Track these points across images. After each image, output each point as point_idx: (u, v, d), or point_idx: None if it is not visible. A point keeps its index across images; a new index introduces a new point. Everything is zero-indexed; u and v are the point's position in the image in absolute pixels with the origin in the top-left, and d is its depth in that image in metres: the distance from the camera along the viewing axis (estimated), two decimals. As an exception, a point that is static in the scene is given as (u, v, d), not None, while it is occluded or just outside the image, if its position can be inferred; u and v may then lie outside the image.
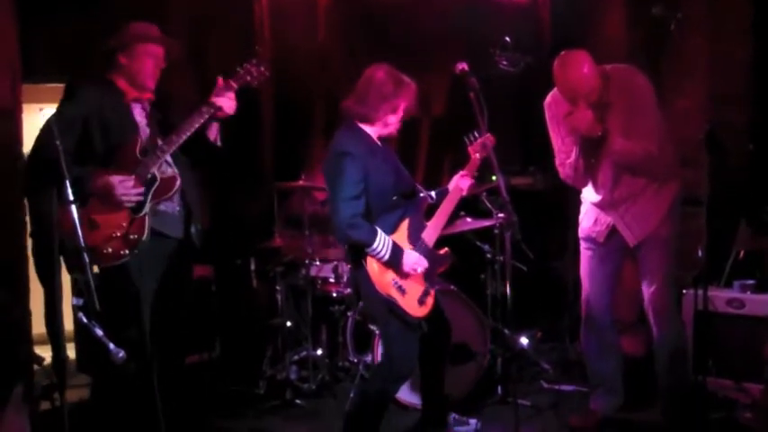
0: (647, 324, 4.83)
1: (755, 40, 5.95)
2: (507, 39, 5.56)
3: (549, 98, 4.75)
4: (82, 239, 3.44)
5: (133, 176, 4.08)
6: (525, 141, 6.94)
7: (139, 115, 4.29)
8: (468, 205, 5.53)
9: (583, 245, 4.82)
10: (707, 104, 5.91)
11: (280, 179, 6.04)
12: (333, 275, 5.80)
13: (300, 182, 5.77)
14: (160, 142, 4.19)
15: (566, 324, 6.32)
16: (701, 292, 4.79)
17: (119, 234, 4.04)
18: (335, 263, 5.81)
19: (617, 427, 4.79)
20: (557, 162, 4.77)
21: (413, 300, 4.24)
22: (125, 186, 4.06)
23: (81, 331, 3.47)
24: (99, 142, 4.12)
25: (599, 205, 4.66)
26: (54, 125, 3.70)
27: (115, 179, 4.04)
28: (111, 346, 3.28)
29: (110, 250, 4.02)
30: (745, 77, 5.98)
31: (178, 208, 4.30)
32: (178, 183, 4.22)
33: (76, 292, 3.39)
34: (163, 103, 4.47)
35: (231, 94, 4.30)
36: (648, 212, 4.57)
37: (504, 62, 5.60)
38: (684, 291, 5.08)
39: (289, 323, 5.79)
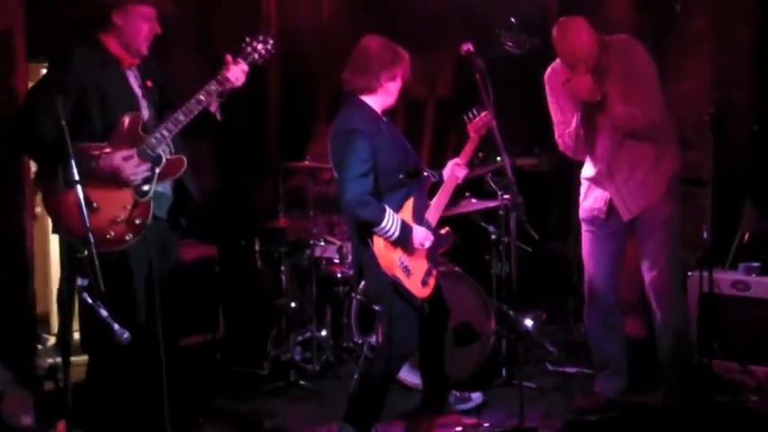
0: (649, 306, 4.84)
1: (760, 22, 5.93)
2: (512, 20, 5.53)
3: (548, 71, 4.77)
4: (87, 220, 3.41)
5: (135, 153, 3.93)
6: (530, 122, 6.91)
7: (135, 84, 4.12)
8: (474, 186, 5.52)
9: (584, 227, 4.82)
10: (711, 86, 5.89)
11: (285, 159, 6.03)
12: (337, 256, 5.79)
13: (305, 162, 5.75)
14: (168, 121, 4.00)
15: (570, 306, 6.32)
16: (705, 274, 4.79)
17: (123, 217, 3.90)
18: (340, 243, 5.80)
19: (622, 409, 4.78)
20: (556, 134, 4.78)
21: (417, 280, 4.27)
22: (131, 166, 3.91)
23: (85, 311, 3.45)
24: (96, 113, 3.92)
25: (596, 178, 4.66)
26: (53, 94, 3.57)
27: (119, 158, 3.88)
28: (116, 326, 3.27)
29: (112, 234, 3.89)
30: (749, 59, 5.96)
31: (169, 188, 4.18)
32: (185, 164, 4.09)
33: (81, 272, 3.38)
34: (156, 69, 4.29)
35: (242, 67, 4.14)
36: (646, 187, 4.57)
37: (510, 43, 5.56)
38: (689, 273, 5.07)
39: (293, 304, 5.78)
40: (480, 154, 5.27)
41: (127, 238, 3.92)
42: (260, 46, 4.22)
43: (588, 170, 4.73)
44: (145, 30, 4.04)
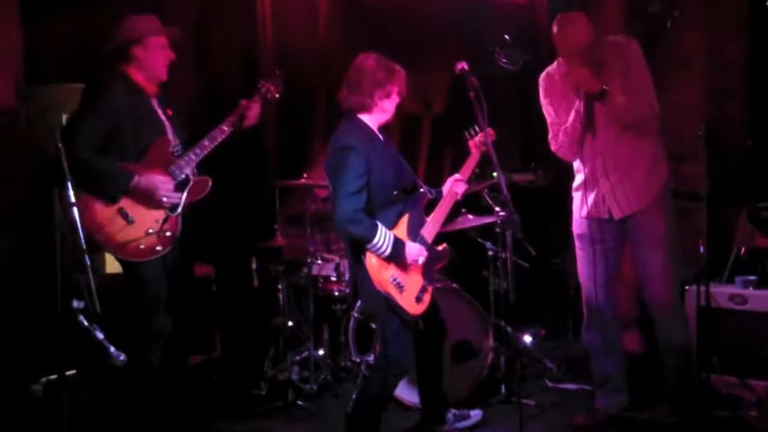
0: (648, 321, 4.83)
1: (752, 36, 5.95)
2: (507, 36, 5.56)
3: (543, 73, 4.78)
4: (84, 242, 3.43)
5: (170, 177, 4.36)
6: (525, 138, 6.93)
7: (160, 112, 4.50)
8: (470, 202, 5.53)
9: (578, 244, 4.81)
10: (705, 101, 5.91)
11: (281, 177, 6.03)
12: (335, 274, 5.79)
13: (302, 180, 5.75)
14: (196, 146, 4.47)
15: (569, 321, 6.32)
16: (702, 288, 4.80)
17: (154, 230, 4.27)
18: (337, 261, 5.80)
19: (622, 425, 4.75)
20: (550, 135, 4.76)
21: (410, 297, 4.26)
22: (166, 188, 4.32)
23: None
24: (129, 138, 4.29)
25: (590, 177, 4.63)
26: (86, 120, 4.05)
27: (158, 180, 4.29)
28: (112, 349, 3.28)
29: (143, 246, 4.24)
30: (742, 73, 5.99)
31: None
32: (209, 185, 4.51)
33: (77, 294, 3.38)
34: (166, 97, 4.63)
35: (257, 104, 4.70)
36: (641, 188, 4.55)
37: (504, 60, 5.59)
38: (686, 287, 5.07)
39: (290, 323, 5.78)
40: (476, 170, 5.28)
41: (158, 248, 4.29)
42: (272, 87, 4.85)
43: (580, 176, 4.72)
44: (163, 58, 4.47)
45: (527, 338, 5.98)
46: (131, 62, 4.40)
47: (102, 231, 4.11)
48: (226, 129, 4.54)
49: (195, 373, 5.54)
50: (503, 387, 5.35)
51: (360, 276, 4.26)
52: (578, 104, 4.54)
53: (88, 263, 3.37)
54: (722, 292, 5.11)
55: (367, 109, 4.31)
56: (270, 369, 5.72)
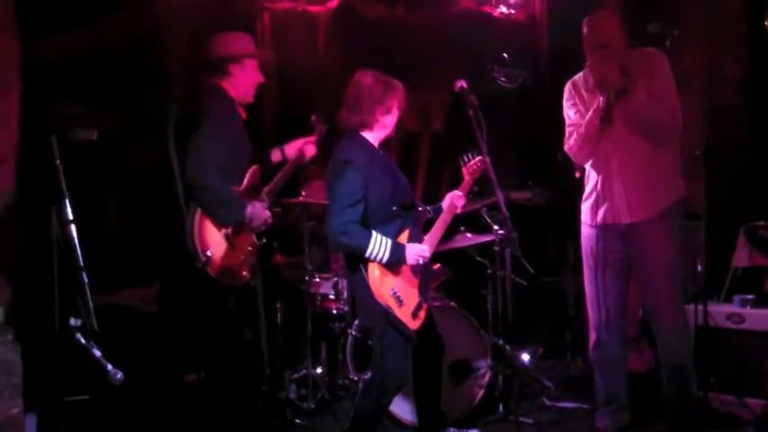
0: (650, 339, 4.81)
1: (751, 55, 5.97)
2: (505, 55, 5.58)
3: (569, 82, 4.81)
4: (81, 260, 3.42)
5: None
6: (524, 156, 6.94)
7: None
8: (469, 220, 5.53)
9: (586, 259, 4.76)
10: (704, 120, 5.93)
11: (280, 195, 6.02)
12: (332, 292, 5.78)
13: (300, 198, 5.75)
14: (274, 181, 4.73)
15: (567, 340, 6.31)
16: (700, 307, 4.79)
17: (245, 257, 4.42)
18: (335, 279, 5.79)
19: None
20: (566, 136, 4.75)
21: (408, 311, 4.26)
22: (266, 220, 4.52)
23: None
24: (230, 158, 4.40)
25: (605, 179, 4.60)
26: (209, 142, 4.17)
27: (264, 213, 4.50)
28: (110, 367, 3.26)
29: (237, 271, 4.40)
30: (740, 92, 6.00)
31: None
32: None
33: (74, 312, 3.38)
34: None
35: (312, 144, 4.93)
36: (652, 196, 4.52)
37: (502, 78, 5.61)
38: (684, 306, 5.06)
39: (288, 341, 5.76)
40: (475, 188, 5.29)
41: (244, 274, 4.45)
42: (321, 126, 5.01)
43: (590, 184, 4.70)
44: (255, 80, 4.59)
45: (525, 357, 5.95)
46: (226, 78, 4.47)
47: (207, 251, 4.21)
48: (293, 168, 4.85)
49: (192, 391, 5.52)
50: (500, 405, 5.33)
51: (359, 289, 4.27)
52: (599, 101, 4.51)
53: (86, 280, 3.36)
54: (720, 311, 5.12)
55: (368, 126, 4.33)
56: (267, 387, 5.70)
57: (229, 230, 4.30)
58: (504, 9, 6.91)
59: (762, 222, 5.16)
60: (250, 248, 4.44)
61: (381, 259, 4.14)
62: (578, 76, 4.78)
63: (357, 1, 6.81)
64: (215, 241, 4.25)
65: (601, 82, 4.51)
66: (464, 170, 4.61)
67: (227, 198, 4.31)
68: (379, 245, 4.13)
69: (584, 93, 4.70)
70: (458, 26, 6.67)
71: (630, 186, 4.55)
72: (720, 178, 5.28)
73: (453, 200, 4.59)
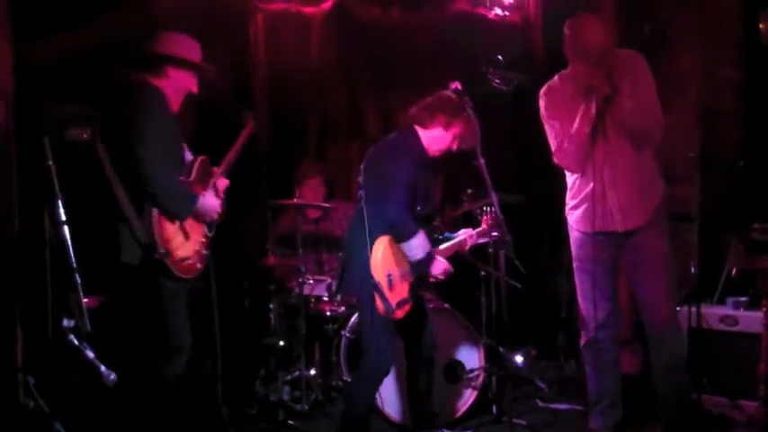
0: (642, 341, 4.81)
1: (745, 57, 5.98)
2: (499, 57, 5.58)
3: (544, 88, 4.71)
4: (74, 261, 3.41)
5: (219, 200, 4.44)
6: (518, 158, 6.94)
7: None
8: (463, 223, 5.52)
9: (577, 263, 4.75)
10: (698, 122, 5.93)
11: (273, 196, 6.03)
12: (326, 294, 5.79)
13: (294, 200, 5.75)
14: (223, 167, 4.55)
15: (561, 342, 6.31)
16: (694, 309, 4.79)
17: (198, 249, 4.29)
18: (329, 281, 5.79)
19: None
20: (554, 148, 4.67)
21: (395, 299, 4.34)
22: (217, 210, 4.40)
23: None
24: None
25: (599, 187, 4.56)
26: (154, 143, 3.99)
27: (216, 202, 4.38)
28: (103, 368, 3.26)
29: (190, 263, 4.23)
30: (735, 94, 6.01)
31: None
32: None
33: (67, 313, 3.37)
34: None
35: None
36: (641, 202, 4.52)
37: (497, 80, 5.60)
38: (678, 308, 5.06)
39: (281, 342, 5.76)
40: (469, 191, 5.30)
41: (198, 266, 4.30)
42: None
43: (579, 192, 4.69)
44: (189, 88, 4.39)
45: (519, 358, 5.96)
46: (162, 76, 4.29)
47: (167, 245, 4.10)
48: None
49: (185, 392, 5.51)
50: (494, 407, 5.34)
51: (357, 260, 4.37)
52: (586, 107, 4.47)
53: (78, 281, 3.35)
54: (713, 314, 5.12)
55: (422, 124, 4.51)
56: (261, 389, 5.70)
57: (184, 222, 4.19)
58: (498, 11, 6.90)
59: (755, 225, 5.16)
60: (203, 240, 4.34)
61: (414, 255, 4.37)
62: (553, 82, 4.70)
63: (351, 2, 6.81)
64: (171, 233, 4.13)
65: (590, 88, 4.47)
66: (483, 219, 4.91)
67: (177, 191, 4.18)
68: (420, 242, 4.36)
69: (563, 99, 4.63)
70: (452, 28, 6.67)
71: (623, 193, 4.53)
72: (714, 180, 5.27)
73: (467, 237, 4.81)
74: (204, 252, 4.34)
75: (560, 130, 4.63)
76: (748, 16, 5.95)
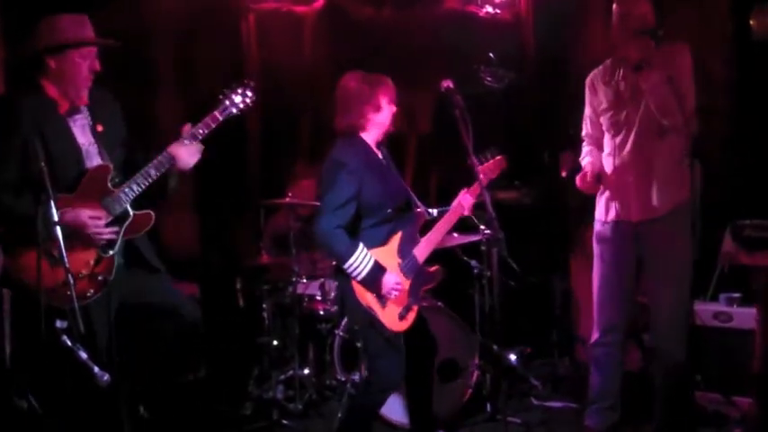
0: (641, 339, 4.79)
1: (737, 54, 5.99)
2: (491, 55, 5.58)
3: (589, 77, 4.79)
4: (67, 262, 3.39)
5: (104, 212, 3.78)
6: (510, 156, 6.93)
7: (82, 135, 3.89)
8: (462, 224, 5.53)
9: (597, 255, 4.73)
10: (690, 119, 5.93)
11: (266, 196, 6.02)
12: (319, 293, 5.78)
13: (287, 199, 5.74)
14: (139, 175, 3.85)
15: (555, 340, 6.31)
16: (688, 305, 4.78)
17: (84, 273, 3.72)
18: (322, 281, 5.79)
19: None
20: (582, 133, 4.84)
21: (393, 314, 4.22)
22: (97, 224, 3.73)
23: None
24: (42, 167, 3.49)
25: (620, 169, 4.60)
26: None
27: (85, 215, 3.71)
28: (96, 369, 3.26)
29: (83, 290, 3.69)
30: (727, 91, 6.01)
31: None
32: (152, 220, 3.92)
33: (60, 314, 3.36)
34: (110, 110, 4.06)
35: (193, 146, 3.99)
36: (660, 192, 4.52)
37: (489, 78, 5.62)
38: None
39: (275, 342, 5.75)
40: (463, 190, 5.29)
41: (88, 294, 3.74)
42: (238, 98, 4.13)
43: (608, 175, 4.69)
44: (85, 71, 3.82)
45: (512, 356, 5.96)
46: (46, 74, 3.79)
47: (22, 273, 3.56)
48: (153, 173, 3.88)
49: (180, 392, 5.50)
50: (488, 405, 5.34)
51: (345, 289, 4.24)
52: (619, 72, 4.55)
53: (72, 281, 3.34)
54: (707, 310, 5.14)
55: (362, 128, 4.31)
56: (255, 388, 5.70)
57: (48, 245, 3.48)
58: (489, 9, 6.91)
59: (748, 221, 5.17)
60: (91, 262, 3.73)
61: (358, 276, 4.10)
62: (597, 70, 4.77)
63: (343, 1, 6.81)
64: (27, 260, 3.56)
65: (622, 58, 4.55)
66: (479, 169, 4.47)
67: (22, 210, 3.59)
68: (360, 260, 4.09)
69: (601, 85, 4.69)
70: (444, 26, 6.68)
71: (642, 182, 4.54)
72: (707, 177, 5.28)
73: (461, 200, 4.54)
74: (99, 277, 3.74)
75: (588, 113, 4.76)
76: (739, 14, 5.96)
